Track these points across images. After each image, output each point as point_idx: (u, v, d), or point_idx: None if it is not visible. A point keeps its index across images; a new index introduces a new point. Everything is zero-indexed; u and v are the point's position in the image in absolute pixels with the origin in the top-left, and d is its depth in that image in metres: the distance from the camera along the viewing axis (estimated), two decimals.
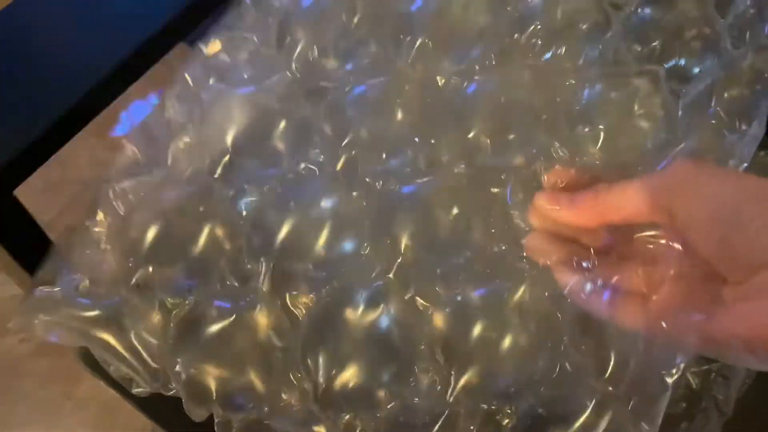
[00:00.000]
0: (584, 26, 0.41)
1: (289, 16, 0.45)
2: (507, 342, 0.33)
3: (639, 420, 0.30)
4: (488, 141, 0.39)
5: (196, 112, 0.42)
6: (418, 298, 0.35)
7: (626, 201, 0.29)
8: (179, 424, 0.40)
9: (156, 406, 0.41)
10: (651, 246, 0.31)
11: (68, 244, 0.39)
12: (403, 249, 0.36)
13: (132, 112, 1.35)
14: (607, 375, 0.32)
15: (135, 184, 0.39)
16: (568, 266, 0.31)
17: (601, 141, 0.39)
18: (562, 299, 0.32)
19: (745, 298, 0.25)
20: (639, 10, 0.43)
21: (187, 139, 0.41)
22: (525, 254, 0.33)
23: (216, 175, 0.40)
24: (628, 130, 0.41)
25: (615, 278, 0.30)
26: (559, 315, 0.34)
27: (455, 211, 0.37)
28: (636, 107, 0.41)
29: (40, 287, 0.37)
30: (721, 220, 0.26)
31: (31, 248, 0.51)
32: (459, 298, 0.34)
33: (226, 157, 0.39)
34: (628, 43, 0.42)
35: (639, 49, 0.42)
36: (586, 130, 0.39)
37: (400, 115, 0.39)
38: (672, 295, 0.29)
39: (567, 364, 0.33)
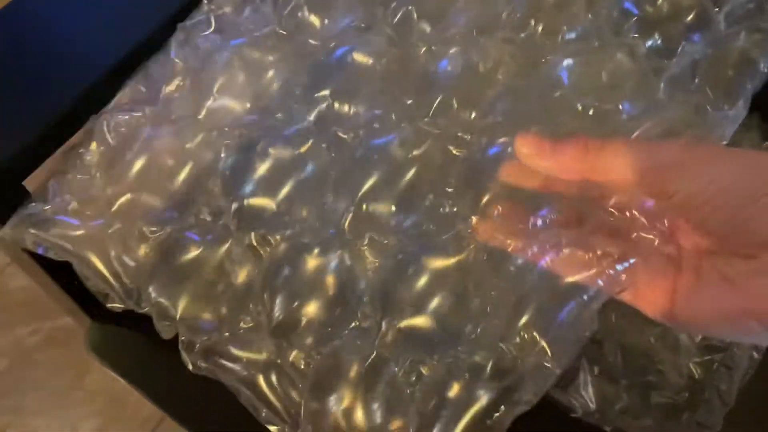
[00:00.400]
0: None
1: None
2: (438, 298, 0.35)
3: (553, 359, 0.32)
4: (455, 104, 0.40)
5: (192, 59, 0.45)
6: (366, 249, 0.38)
7: (616, 165, 0.28)
8: (188, 414, 0.43)
9: (165, 396, 0.44)
10: (623, 219, 0.30)
11: (62, 167, 0.43)
12: (360, 201, 0.38)
13: None
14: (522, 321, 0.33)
15: (128, 118, 0.43)
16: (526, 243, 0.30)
17: (578, 111, 0.39)
18: (502, 260, 0.34)
19: (760, 273, 0.25)
20: None
21: (179, 83, 0.44)
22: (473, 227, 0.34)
23: (200, 117, 0.42)
24: (605, 101, 0.41)
25: (632, 260, 0.29)
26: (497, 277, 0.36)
27: (415, 169, 0.39)
28: (614, 80, 0.41)
29: (33, 203, 0.41)
30: (732, 197, 0.26)
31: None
32: (400, 256, 0.37)
33: (210, 100, 0.42)
34: (614, 19, 0.42)
35: (624, 24, 0.42)
36: (558, 94, 0.38)
37: (377, 76, 0.40)
38: (686, 278, 0.28)
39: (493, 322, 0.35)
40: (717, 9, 0.44)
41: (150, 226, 0.40)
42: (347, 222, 0.38)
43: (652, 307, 0.28)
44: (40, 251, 0.39)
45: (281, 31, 0.45)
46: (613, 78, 0.41)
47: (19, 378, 1.05)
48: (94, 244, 0.40)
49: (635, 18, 0.43)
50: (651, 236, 0.29)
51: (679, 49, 0.43)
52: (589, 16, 0.43)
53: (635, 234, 0.30)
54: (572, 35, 0.42)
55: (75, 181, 0.42)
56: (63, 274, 0.42)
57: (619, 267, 0.29)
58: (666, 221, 0.29)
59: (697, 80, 0.42)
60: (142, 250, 0.40)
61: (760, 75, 0.42)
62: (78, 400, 1.02)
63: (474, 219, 0.34)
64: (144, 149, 0.41)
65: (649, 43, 0.42)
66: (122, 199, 0.40)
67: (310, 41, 0.44)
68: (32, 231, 0.39)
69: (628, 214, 0.30)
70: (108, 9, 0.49)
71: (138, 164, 0.41)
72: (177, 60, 0.46)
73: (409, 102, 0.41)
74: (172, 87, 0.44)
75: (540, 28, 0.42)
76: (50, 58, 0.47)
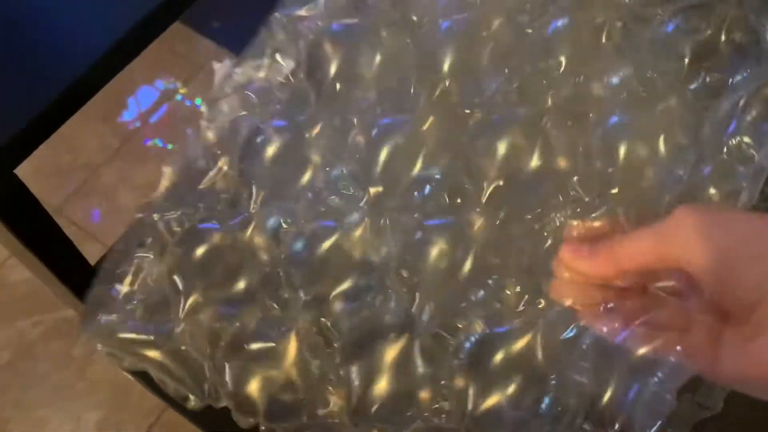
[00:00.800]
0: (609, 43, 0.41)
1: (320, 39, 0.45)
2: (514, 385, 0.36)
3: None
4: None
5: (232, 143, 0.45)
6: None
7: (637, 251, 0.31)
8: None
9: None
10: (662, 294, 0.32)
11: (119, 269, 0.42)
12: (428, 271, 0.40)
13: (141, 100, 1.37)
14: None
15: (179, 214, 0.43)
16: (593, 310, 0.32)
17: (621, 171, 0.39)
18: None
19: (750, 337, 0.27)
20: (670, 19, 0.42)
21: (224, 169, 0.44)
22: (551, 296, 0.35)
23: (252, 208, 0.43)
24: (650, 158, 0.40)
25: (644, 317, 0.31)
26: None
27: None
28: (662, 132, 0.40)
29: (99, 315, 0.40)
30: (719, 262, 0.28)
31: (38, 230, 0.54)
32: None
33: (263, 192, 0.43)
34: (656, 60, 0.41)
35: (667, 65, 0.41)
36: (609, 170, 0.39)
37: (423, 151, 0.42)
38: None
39: None
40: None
41: (218, 322, 0.41)
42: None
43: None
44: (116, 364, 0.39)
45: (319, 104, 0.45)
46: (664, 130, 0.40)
47: (20, 371, 1.05)
48: (165, 348, 0.40)
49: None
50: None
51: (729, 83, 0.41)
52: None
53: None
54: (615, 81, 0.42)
55: (136, 284, 0.41)
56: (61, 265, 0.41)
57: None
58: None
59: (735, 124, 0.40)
60: (213, 346, 0.40)
61: None
62: (81, 391, 1.03)
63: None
64: (201, 244, 0.41)
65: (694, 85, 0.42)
66: (188, 300, 0.40)
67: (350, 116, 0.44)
68: (103, 344, 0.39)
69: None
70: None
71: (198, 260, 0.41)
72: (213, 141, 0.45)
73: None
74: (217, 173, 0.44)
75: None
76: (38, 48, 0.46)
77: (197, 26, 1.34)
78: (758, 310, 0.27)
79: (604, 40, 0.43)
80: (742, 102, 0.39)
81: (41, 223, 0.55)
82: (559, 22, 0.43)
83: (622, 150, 0.40)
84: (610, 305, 0.33)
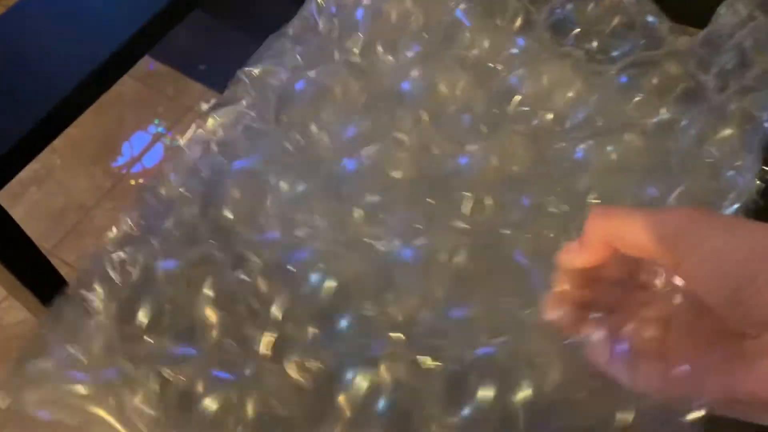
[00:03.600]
0: (569, 94, 0.42)
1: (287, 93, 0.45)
2: None
3: None
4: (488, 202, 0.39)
5: (194, 184, 0.42)
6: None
7: (632, 230, 0.28)
8: None
9: None
10: (654, 289, 0.30)
11: (60, 314, 0.39)
12: (405, 309, 0.36)
13: (132, 142, 1.36)
14: None
15: (132, 253, 0.39)
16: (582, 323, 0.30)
17: (595, 194, 0.39)
18: None
19: (763, 355, 0.25)
20: (622, 72, 0.43)
21: (186, 210, 0.41)
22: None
23: (213, 243, 0.40)
24: (620, 183, 0.41)
25: (624, 329, 0.29)
26: None
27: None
28: (627, 160, 0.41)
29: (31, 359, 0.37)
30: (729, 276, 0.25)
31: (30, 267, 0.55)
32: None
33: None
34: (613, 103, 0.42)
35: (625, 106, 0.42)
36: (580, 186, 0.38)
37: (396, 179, 0.39)
38: (686, 352, 0.28)
39: None
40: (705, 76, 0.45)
41: (168, 367, 0.37)
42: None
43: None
44: (44, 417, 0.35)
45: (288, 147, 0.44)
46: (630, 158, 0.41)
47: (20, 413, 1.02)
48: (107, 399, 0.36)
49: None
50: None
51: (683, 123, 0.43)
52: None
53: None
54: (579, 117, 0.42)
55: (78, 327, 0.38)
56: None
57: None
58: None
59: (706, 145, 0.43)
60: (163, 396, 0.36)
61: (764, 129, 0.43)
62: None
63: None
64: (153, 284, 0.38)
65: (655, 120, 0.43)
66: (135, 344, 0.37)
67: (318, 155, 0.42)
68: (32, 393, 0.35)
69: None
70: (77, 27, 0.52)
71: (148, 302, 0.38)
72: (175, 186, 0.43)
73: (432, 202, 0.39)
74: (178, 216, 0.41)
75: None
76: (17, 77, 0.49)
77: (185, 69, 1.37)
78: None
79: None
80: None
81: (35, 263, 0.56)
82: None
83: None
84: (597, 315, 0.30)
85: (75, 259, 1.21)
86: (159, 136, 1.37)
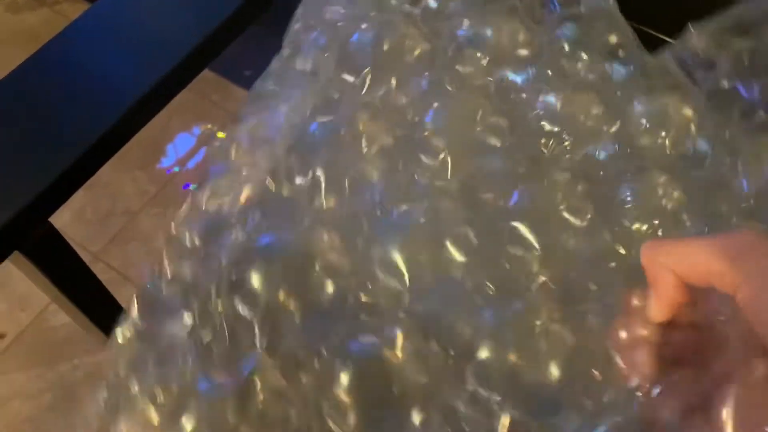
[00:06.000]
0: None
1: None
2: None
3: None
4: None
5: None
6: None
7: (697, 255, 0.26)
8: None
9: None
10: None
11: None
12: None
13: (176, 144, 1.38)
14: None
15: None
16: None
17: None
18: None
19: None
20: None
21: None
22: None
23: None
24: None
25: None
26: None
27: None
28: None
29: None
30: None
31: (73, 276, 0.55)
32: None
33: None
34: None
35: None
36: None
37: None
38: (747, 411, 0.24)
39: None
40: None
41: None
42: None
43: None
44: None
45: None
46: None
47: (65, 412, 1.07)
48: None
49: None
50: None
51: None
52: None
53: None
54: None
55: None
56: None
57: None
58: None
59: None
60: None
61: None
62: None
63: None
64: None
65: None
66: None
67: None
68: None
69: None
70: (126, 49, 0.52)
71: None
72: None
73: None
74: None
75: None
76: (72, 98, 0.48)
77: (230, 75, 1.39)
78: None
79: None
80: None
81: (76, 270, 0.56)
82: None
83: None
84: (658, 390, 0.27)
85: (120, 264, 1.24)
86: (206, 139, 1.38)
